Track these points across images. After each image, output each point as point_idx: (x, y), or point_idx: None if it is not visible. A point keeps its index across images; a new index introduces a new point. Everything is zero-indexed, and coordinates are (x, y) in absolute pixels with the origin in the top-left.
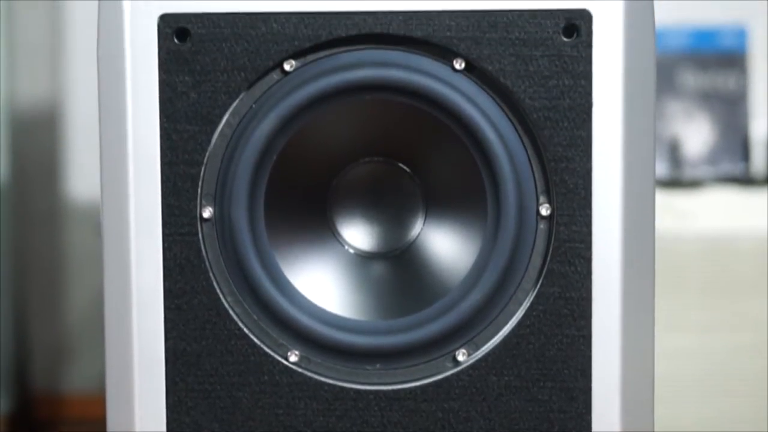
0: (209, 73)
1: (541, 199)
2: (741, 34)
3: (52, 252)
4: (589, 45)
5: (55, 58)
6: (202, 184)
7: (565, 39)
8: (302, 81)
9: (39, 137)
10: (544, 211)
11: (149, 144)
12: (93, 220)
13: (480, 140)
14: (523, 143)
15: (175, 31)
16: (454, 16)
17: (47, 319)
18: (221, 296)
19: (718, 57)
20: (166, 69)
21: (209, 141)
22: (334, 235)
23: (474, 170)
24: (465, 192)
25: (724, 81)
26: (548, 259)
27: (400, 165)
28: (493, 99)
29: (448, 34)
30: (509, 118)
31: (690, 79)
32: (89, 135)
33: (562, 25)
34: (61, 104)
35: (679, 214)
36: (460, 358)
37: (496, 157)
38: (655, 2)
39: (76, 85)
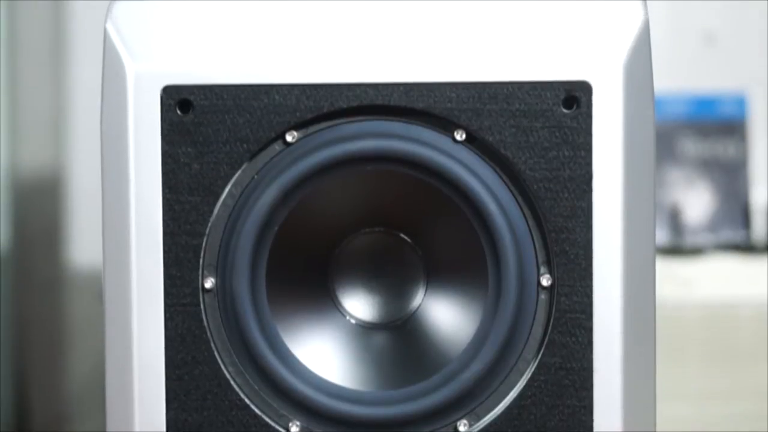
0: (212, 144)
1: (542, 269)
2: (741, 102)
3: (52, 320)
4: (589, 116)
5: (58, 125)
6: (204, 254)
7: (565, 110)
8: (304, 152)
9: (41, 204)
10: (545, 281)
11: (151, 214)
12: (95, 288)
13: (480, 211)
14: (523, 214)
15: (178, 102)
16: (454, 87)
17: (48, 387)
18: (223, 366)
19: (718, 124)
20: (169, 140)
21: (211, 212)
22: (336, 306)
23: (475, 240)
24: (466, 262)
25: (724, 148)
26: (549, 329)
27: (401, 235)
28: (494, 169)
29: (449, 105)
30: (510, 189)
31: (690, 146)
32: (91, 203)
33: (562, 97)
34: (64, 171)
35: (680, 281)
36: (462, 429)
37: (496, 227)
38: (654, 70)
39: (78, 153)
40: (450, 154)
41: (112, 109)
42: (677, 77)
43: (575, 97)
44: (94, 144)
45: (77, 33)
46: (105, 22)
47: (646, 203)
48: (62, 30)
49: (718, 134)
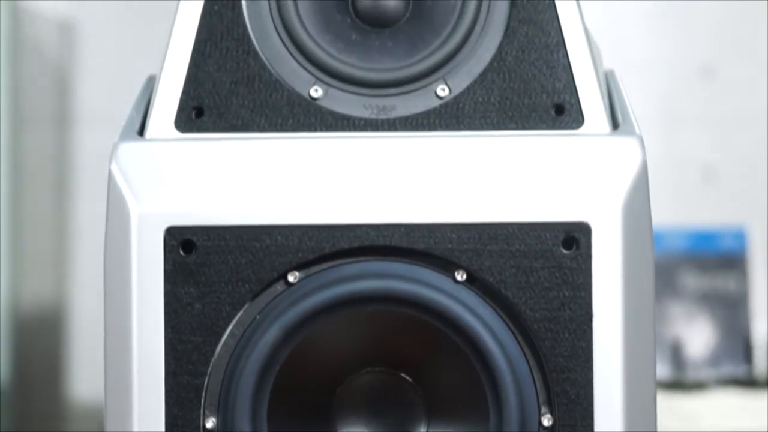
0: (214, 285)
1: (543, 409)
2: (740, 236)
3: None
4: (588, 257)
5: (60, 258)
6: (206, 394)
7: (564, 251)
8: (306, 293)
9: (42, 338)
10: (546, 421)
11: (153, 353)
12: (95, 424)
13: (481, 351)
14: (524, 354)
15: (181, 243)
16: (455, 228)
17: None
18: None
19: (718, 259)
20: (172, 280)
21: (213, 352)
22: None
23: (476, 380)
24: (467, 401)
25: (725, 282)
26: None
27: (402, 375)
28: (495, 310)
29: (450, 246)
30: (510, 329)
31: (690, 280)
32: (93, 338)
33: (561, 238)
34: (65, 306)
35: (682, 416)
36: None
37: (497, 368)
38: (653, 205)
39: (80, 287)
40: (451, 294)
41: (115, 249)
42: (677, 211)
43: (575, 237)
44: (96, 278)
45: (81, 164)
46: (109, 163)
47: (646, 341)
48: (66, 160)
49: (718, 268)
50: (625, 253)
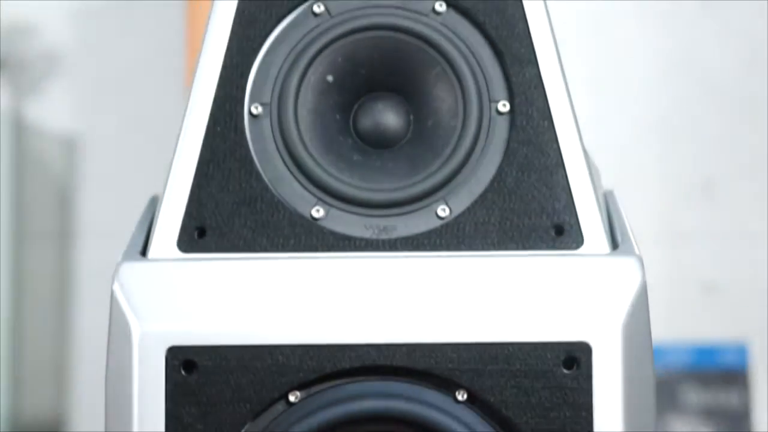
0: (215, 405)
1: None
2: (742, 351)
3: None
4: (589, 377)
5: (61, 376)
6: None
7: (565, 371)
8: (306, 413)
9: None
10: None
11: None
12: None
13: None
14: None
15: (182, 363)
16: (456, 348)
17: None
18: None
19: (719, 374)
20: (173, 400)
21: None
22: None
23: None
24: None
25: (727, 398)
26: None
27: None
28: (496, 430)
29: (450, 366)
30: None
31: (692, 396)
32: None
33: (562, 358)
34: (66, 423)
35: None
36: None
37: None
38: (654, 320)
39: (81, 405)
40: (452, 414)
41: (117, 367)
42: (678, 326)
43: (575, 357)
44: (96, 395)
45: (82, 279)
46: (112, 283)
47: None
48: (67, 275)
49: (720, 383)
50: (626, 372)
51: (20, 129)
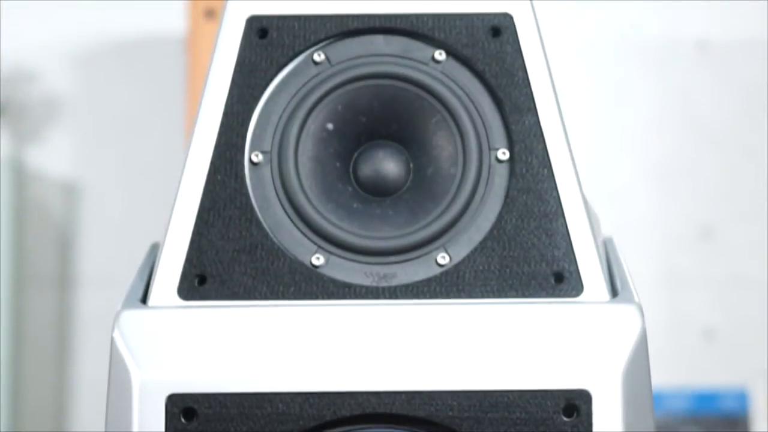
0: None
1: None
2: (742, 397)
3: None
4: (589, 424)
5: (60, 421)
6: None
7: (565, 419)
8: None
9: None
10: None
11: None
12: None
13: None
14: None
15: (182, 411)
16: (456, 395)
17: None
18: None
19: (719, 420)
20: None
21: None
22: None
23: None
24: None
25: None
26: None
27: None
28: None
29: (451, 413)
30: None
31: None
32: None
33: (562, 406)
34: None
35: None
36: None
37: None
38: (654, 366)
39: None
40: None
41: (117, 415)
42: (678, 372)
43: (575, 405)
44: None
45: (82, 324)
46: (112, 330)
47: None
48: (67, 321)
49: (720, 429)
50: (626, 420)
51: (21, 174)
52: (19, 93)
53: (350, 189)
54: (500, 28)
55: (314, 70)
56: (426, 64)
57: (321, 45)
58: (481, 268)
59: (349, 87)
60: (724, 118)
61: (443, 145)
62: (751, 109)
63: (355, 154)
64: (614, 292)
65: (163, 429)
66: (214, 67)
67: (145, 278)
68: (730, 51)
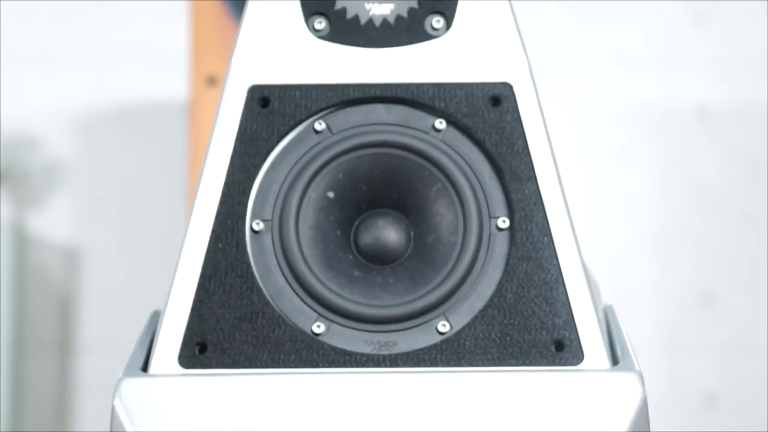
0: None
1: None
2: None
3: None
4: None
5: None
6: None
7: None
8: None
9: None
10: None
11: None
12: None
13: None
14: None
15: None
16: None
17: None
18: None
19: None
20: None
21: None
22: None
23: None
24: None
25: None
26: None
27: None
28: None
29: None
30: None
31: None
32: None
33: None
34: None
35: None
36: None
37: None
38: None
39: None
40: None
41: None
42: None
43: None
44: None
45: (82, 390)
46: (113, 398)
47: None
48: (67, 386)
49: None
50: None
51: (22, 240)
52: (21, 158)
53: (351, 257)
54: (500, 97)
55: (315, 138)
56: (426, 133)
57: (322, 114)
58: (481, 336)
59: (350, 156)
60: (724, 184)
61: (444, 213)
62: (752, 175)
63: (356, 222)
64: (615, 360)
65: None
66: (215, 136)
67: (146, 346)
68: (730, 117)
